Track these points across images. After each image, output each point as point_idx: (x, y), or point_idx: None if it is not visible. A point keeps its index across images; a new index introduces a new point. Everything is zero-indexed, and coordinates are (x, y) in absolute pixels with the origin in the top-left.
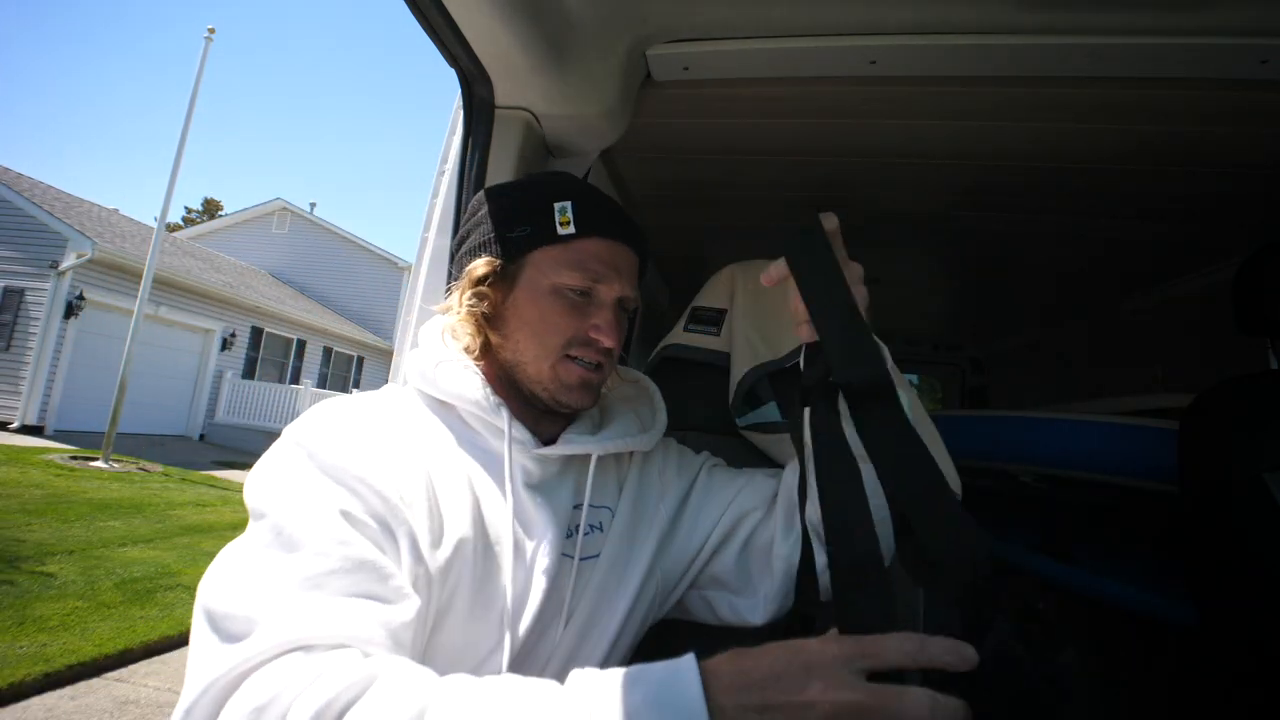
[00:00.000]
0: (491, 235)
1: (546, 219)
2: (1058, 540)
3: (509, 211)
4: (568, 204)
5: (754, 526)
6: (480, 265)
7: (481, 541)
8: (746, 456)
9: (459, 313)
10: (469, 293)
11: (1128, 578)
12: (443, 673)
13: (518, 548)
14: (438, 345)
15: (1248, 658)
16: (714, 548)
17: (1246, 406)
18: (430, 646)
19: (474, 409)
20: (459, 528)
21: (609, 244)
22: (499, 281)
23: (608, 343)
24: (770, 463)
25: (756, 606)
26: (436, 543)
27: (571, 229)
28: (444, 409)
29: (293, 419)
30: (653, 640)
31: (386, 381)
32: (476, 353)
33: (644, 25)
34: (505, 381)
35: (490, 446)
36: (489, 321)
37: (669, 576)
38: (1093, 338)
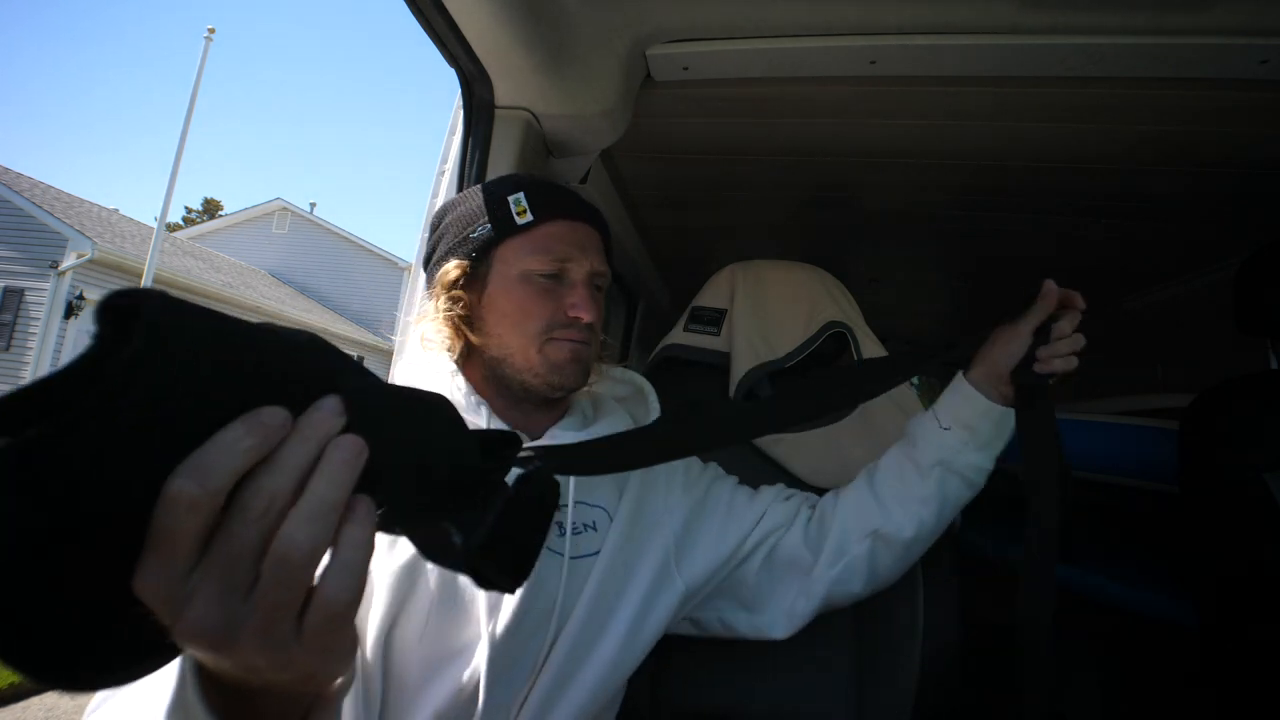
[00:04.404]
0: (457, 239)
1: (504, 212)
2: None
3: (469, 214)
4: (521, 194)
5: (776, 543)
6: (451, 269)
7: None
8: (747, 457)
9: (435, 318)
10: (443, 298)
11: (1128, 578)
12: (415, 666)
13: None
14: (419, 351)
15: (1248, 658)
16: (739, 561)
17: (1246, 406)
18: (396, 641)
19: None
20: None
21: (568, 224)
22: (471, 282)
23: (587, 318)
24: (771, 463)
25: (777, 621)
26: (394, 545)
27: (529, 217)
28: None
29: None
30: (661, 655)
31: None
32: (456, 355)
33: (644, 25)
34: (492, 380)
35: None
36: (468, 324)
37: (693, 586)
38: (1093, 338)
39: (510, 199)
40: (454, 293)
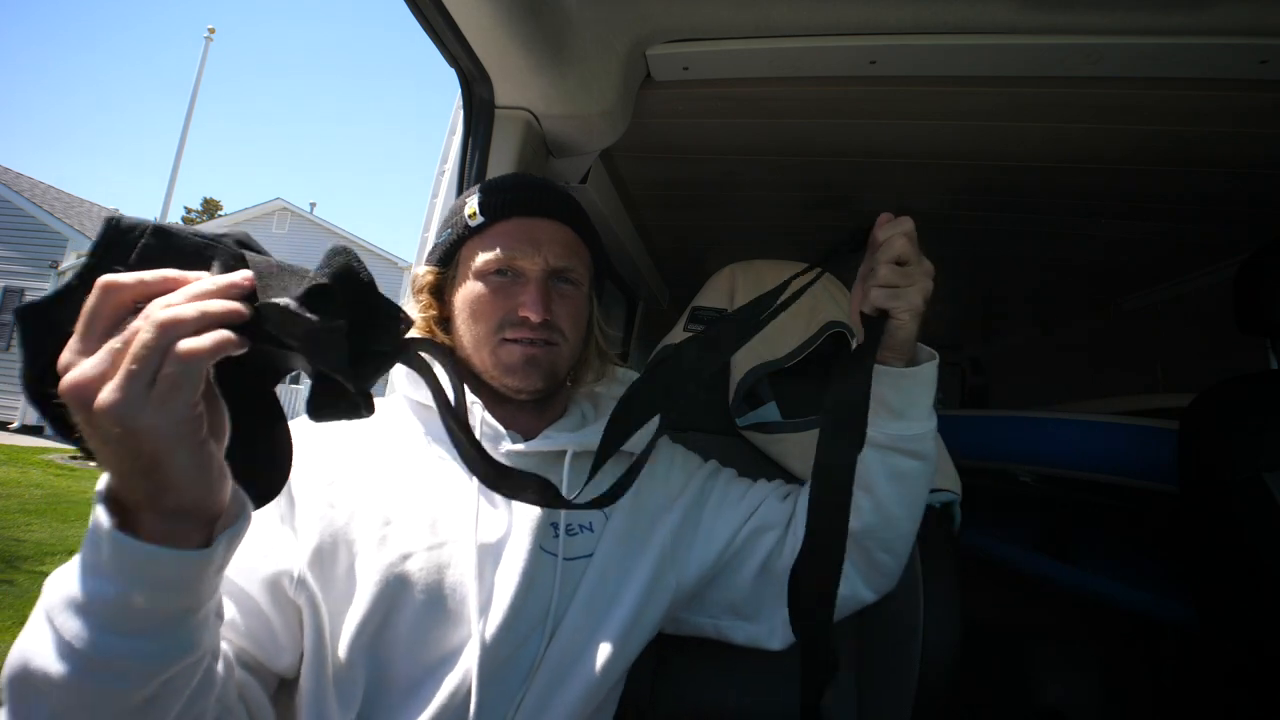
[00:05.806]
0: (433, 246)
1: (462, 218)
2: (1058, 540)
3: (445, 222)
4: (474, 198)
5: (771, 546)
6: (423, 274)
7: (437, 539)
8: (746, 456)
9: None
10: (414, 301)
11: (1128, 578)
12: (405, 667)
13: (485, 545)
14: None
15: (1248, 658)
16: (728, 560)
17: (1246, 406)
18: (385, 643)
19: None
20: (411, 528)
21: (521, 221)
22: (443, 286)
23: (536, 317)
24: (771, 463)
25: (774, 632)
26: (382, 544)
27: (480, 218)
28: (426, 411)
29: (292, 418)
30: (660, 655)
31: (386, 381)
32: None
33: (644, 25)
34: (470, 380)
35: None
36: (442, 327)
37: (684, 585)
38: (1093, 338)
39: (467, 202)
40: (423, 297)
